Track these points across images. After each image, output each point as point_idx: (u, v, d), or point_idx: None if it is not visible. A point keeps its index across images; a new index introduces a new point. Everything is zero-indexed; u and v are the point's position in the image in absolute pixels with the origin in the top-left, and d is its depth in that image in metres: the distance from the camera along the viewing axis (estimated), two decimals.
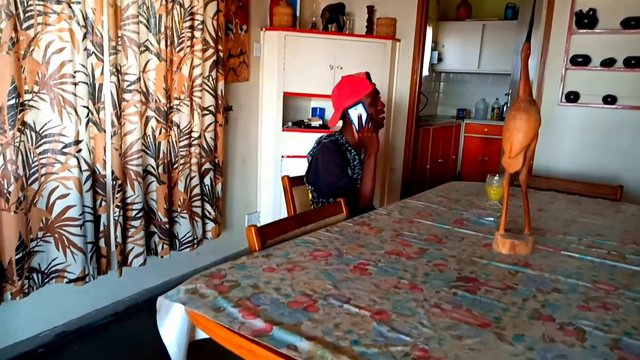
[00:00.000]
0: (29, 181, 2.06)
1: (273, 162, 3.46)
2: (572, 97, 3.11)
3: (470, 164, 6.16)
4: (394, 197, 3.94)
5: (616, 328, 1.02)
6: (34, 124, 2.05)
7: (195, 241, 2.84)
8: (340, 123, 2.26)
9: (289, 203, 2.16)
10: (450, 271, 1.29)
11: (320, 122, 3.60)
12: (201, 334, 1.16)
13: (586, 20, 2.98)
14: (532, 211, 2.00)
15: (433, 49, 6.27)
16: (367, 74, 2.17)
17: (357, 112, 2.11)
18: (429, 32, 6.04)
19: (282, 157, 3.46)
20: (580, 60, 3.04)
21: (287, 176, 2.17)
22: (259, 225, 1.47)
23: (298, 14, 3.64)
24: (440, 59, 6.38)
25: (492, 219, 1.82)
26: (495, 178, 2.02)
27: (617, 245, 1.58)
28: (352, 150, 2.19)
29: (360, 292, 1.13)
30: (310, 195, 2.23)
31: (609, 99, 3.01)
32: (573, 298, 1.16)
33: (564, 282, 1.26)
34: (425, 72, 6.15)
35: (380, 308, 1.05)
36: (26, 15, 1.95)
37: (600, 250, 1.53)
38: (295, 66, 3.39)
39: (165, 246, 2.65)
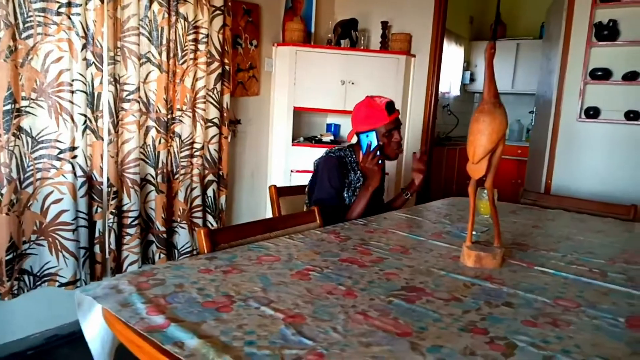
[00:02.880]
0: (24, 184, 2.12)
1: (282, 176, 3.44)
2: (592, 112, 2.92)
3: (503, 186, 5.92)
4: None
5: (556, 345, 0.91)
6: (31, 129, 2.12)
7: (195, 252, 2.84)
8: (355, 139, 2.16)
9: (275, 214, 2.11)
10: (399, 280, 1.21)
11: (332, 137, 3.57)
12: None
13: (606, 32, 2.81)
14: (526, 228, 1.90)
15: (465, 69, 6.15)
16: (389, 104, 2.02)
17: (368, 140, 2.00)
18: (460, 51, 5.94)
19: (292, 171, 3.44)
20: (600, 74, 2.86)
21: (274, 186, 2.14)
22: None
23: (313, 31, 3.66)
24: (472, 79, 6.24)
25: (474, 233, 1.71)
26: (485, 192, 1.90)
27: (604, 263, 1.44)
28: (358, 171, 2.07)
29: (288, 296, 1.07)
30: (305, 208, 2.17)
31: (632, 115, 2.81)
32: (522, 313, 1.05)
33: (521, 296, 1.15)
34: (457, 92, 6.05)
35: (299, 312, 0.98)
36: (26, 25, 2.04)
37: (582, 267, 1.39)
38: (306, 81, 3.39)
39: (162, 255, 2.66)
